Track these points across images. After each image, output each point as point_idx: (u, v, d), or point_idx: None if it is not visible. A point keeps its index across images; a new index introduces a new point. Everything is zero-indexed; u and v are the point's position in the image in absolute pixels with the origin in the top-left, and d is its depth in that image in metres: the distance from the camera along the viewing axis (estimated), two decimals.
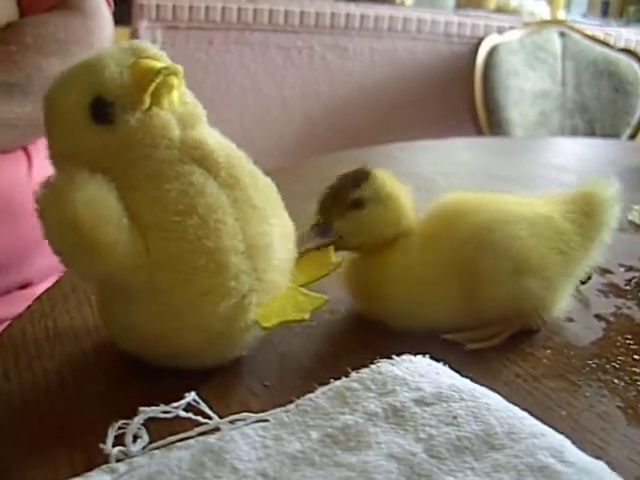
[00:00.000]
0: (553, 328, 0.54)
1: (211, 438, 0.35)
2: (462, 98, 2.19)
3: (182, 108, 0.44)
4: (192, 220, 0.40)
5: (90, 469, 0.35)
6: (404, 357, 0.40)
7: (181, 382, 0.44)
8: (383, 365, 0.39)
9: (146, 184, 0.41)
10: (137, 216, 0.40)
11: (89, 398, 0.43)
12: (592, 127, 2.24)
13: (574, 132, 2.20)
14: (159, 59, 0.43)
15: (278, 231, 0.45)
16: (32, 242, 0.82)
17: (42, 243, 0.83)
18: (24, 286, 0.84)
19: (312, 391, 0.40)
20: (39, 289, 0.85)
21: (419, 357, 0.40)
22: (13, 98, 0.75)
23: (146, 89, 0.41)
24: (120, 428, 0.38)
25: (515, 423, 0.35)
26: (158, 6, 1.91)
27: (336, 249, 0.51)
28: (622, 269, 0.67)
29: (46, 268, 0.86)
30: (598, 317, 0.57)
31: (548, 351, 0.51)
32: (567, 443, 0.34)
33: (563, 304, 0.54)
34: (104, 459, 0.36)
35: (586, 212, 0.53)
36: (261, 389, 0.44)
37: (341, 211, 0.50)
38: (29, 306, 0.55)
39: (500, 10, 2.39)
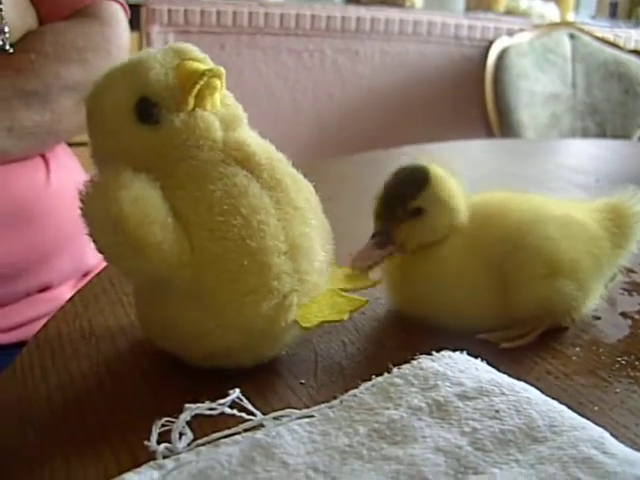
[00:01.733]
0: (581, 326, 0.55)
1: (258, 434, 0.35)
2: (473, 100, 2.19)
3: (224, 110, 0.45)
4: (236, 220, 0.41)
5: (136, 466, 0.35)
6: (443, 353, 0.41)
7: (219, 381, 0.44)
8: (424, 361, 0.40)
9: (190, 184, 0.42)
10: (181, 216, 0.41)
11: (129, 397, 0.44)
12: (603, 129, 2.24)
13: (585, 134, 2.20)
14: (202, 61, 0.44)
15: (318, 233, 0.46)
16: (51, 246, 0.83)
17: (61, 247, 0.84)
18: (44, 289, 0.84)
19: (350, 388, 0.41)
20: (58, 292, 0.86)
21: (457, 353, 0.41)
22: (32, 106, 0.76)
23: (191, 91, 0.42)
24: (163, 426, 0.39)
25: (556, 416, 0.35)
26: (170, 11, 1.93)
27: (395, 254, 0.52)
28: None
29: (65, 271, 0.87)
30: (624, 315, 0.58)
31: (577, 348, 0.52)
32: (607, 435, 0.35)
33: (592, 304, 0.54)
34: (149, 456, 0.36)
35: (617, 223, 0.54)
36: (299, 387, 0.45)
37: (401, 219, 0.50)
38: (62, 307, 0.56)
39: (509, 12, 2.40)
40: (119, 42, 0.89)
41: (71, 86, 0.79)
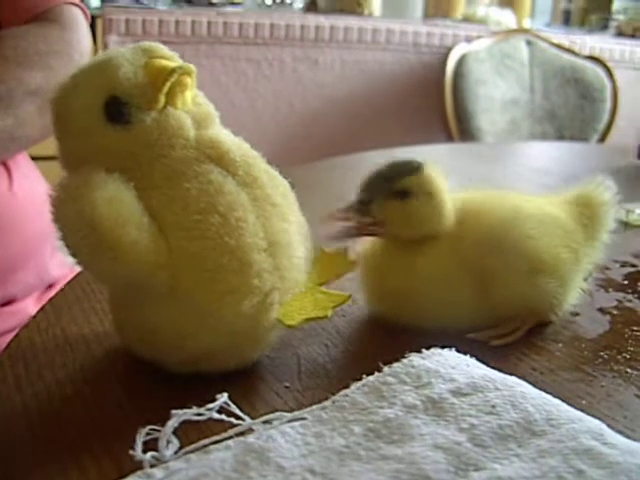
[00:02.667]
0: (561, 322, 0.55)
1: (250, 438, 0.34)
2: (432, 107, 2.21)
3: (195, 108, 0.44)
4: (213, 218, 0.40)
5: (122, 477, 0.34)
6: (433, 351, 0.40)
7: (201, 387, 0.43)
8: (414, 359, 0.39)
9: (164, 183, 0.41)
10: (157, 216, 0.40)
11: (109, 406, 0.43)
12: (561, 133, 2.27)
13: (544, 139, 2.23)
14: (171, 59, 0.43)
15: (296, 229, 0.45)
16: (15, 258, 0.80)
17: (25, 259, 0.82)
18: (7, 303, 0.82)
19: (336, 390, 0.40)
20: (23, 305, 0.84)
21: (447, 350, 0.41)
22: None
23: (161, 88, 0.41)
24: (147, 434, 0.38)
25: (552, 410, 0.35)
26: (127, 20, 1.90)
27: (370, 234, 0.51)
28: (617, 264, 0.68)
29: (29, 284, 0.85)
30: (602, 311, 0.58)
31: (560, 344, 0.52)
32: (604, 426, 0.35)
33: (573, 298, 0.54)
34: (135, 466, 0.35)
35: (587, 214, 0.55)
36: (284, 390, 0.44)
37: (385, 196, 0.50)
38: (34, 316, 0.54)
39: (467, 20, 2.43)
40: (81, 46, 0.88)
41: (33, 91, 0.77)
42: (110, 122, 0.41)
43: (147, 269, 0.39)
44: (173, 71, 0.41)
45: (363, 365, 0.46)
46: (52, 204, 0.40)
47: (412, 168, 0.51)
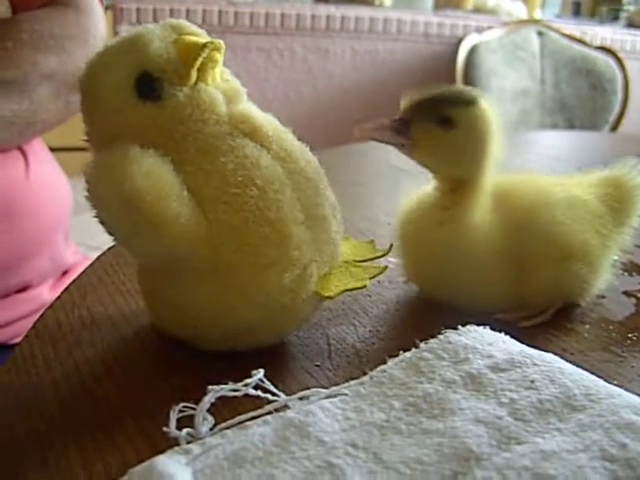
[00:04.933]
0: (587, 305, 0.55)
1: (289, 413, 0.34)
2: None
3: (225, 84, 0.43)
4: (251, 191, 0.40)
5: (156, 454, 0.33)
6: (469, 327, 0.40)
7: (232, 365, 0.43)
8: (451, 335, 0.39)
9: (199, 159, 0.40)
10: (194, 190, 0.40)
11: (140, 384, 0.42)
12: (571, 124, 2.26)
13: (554, 129, 2.22)
14: (200, 35, 0.43)
15: (330, 203, 0.45)
16: (31, 244, 0.80)
17: (40, 245, 0.82)
18: (22, 289, 0.82)
19: (366, 369, 0.40)
20: (38, 292, 0.84)
21: (482, 328, 0.40)
22: (10, 95, 0.74)
23: (193, 64, 0.40)
24: (180, 411, 0.37)
25: (590, 385, 0.35)
26: (139, 9, 1.90)
27: (403, 151, 0.49)
28: (639, 250, 0.68)
29: (44, 270, 0.85)
30: (627, 294, 0.58)
31: (587, 326, 0.51)
32: None
33: (601, 284, 0.54)
34: (168, 443, 0.35)
35: (617, 197, 0.54)
36: (315, 369, 0.44)
37: (427, 119, 0.47)
38: (58, 297, 0.54)
39: (478, 10, 2.42)
40: (96, 31, 0.87)
41: (49, 75, 0.77)
42: (142, 98, 0.40)
43: (189, 244, 0.39)
44: (204, 47, 0.40)
45: (392, 344, 0.46)
46: (87, 181, 0.39)
47: (466, 99, 0.48)
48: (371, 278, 0.44)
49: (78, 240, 1.07)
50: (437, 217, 0.50)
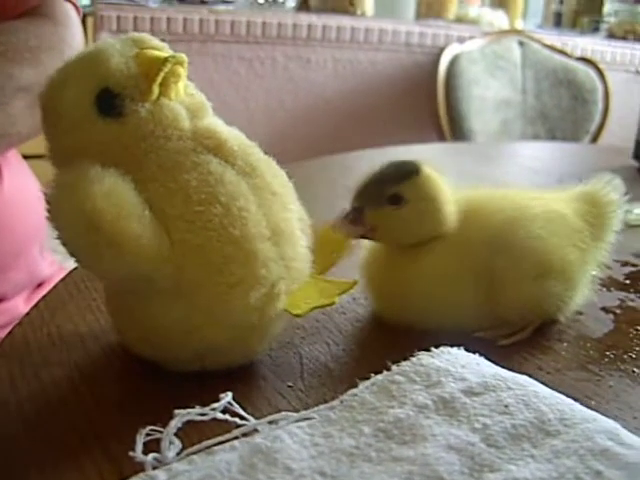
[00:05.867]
0: (565, 322, 0.54)
1: (257, 438, 0.33)
2: (424, 107, 2.20)
3: (189, 99, 0.43)
4: (215, 209, 0.39)
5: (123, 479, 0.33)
6: (442, 349, 0.39)
7: (202, 386, 0.42)
8: (423, 357, 0.38)
9: (162, 176, 0.39)
10: (157, 209, 0.39)
11: (107, 405, 0.41)
12: (553, 134, 2.27)
13: (535, 139, 2.23)
14: (162, 49, 0.42)
15: (297, 218, 0.44)
16: (5, 256, 0.79)
17: (15, 257, 0.80)
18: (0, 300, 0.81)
19: (340, 389, 0.39)
20: (12, 304, 0.82)
21: (455, 349, 0.40)
22: None
23: (154, 79, 0.39)
24: (147, 435, 0.36)
25: (565, 409, 0.34)
26: (119, 17, 1.89)
27: (367, 238, 0.50)
28: (618, 264, 0.68)
29: (19, 283, 0.83)
30: (605, 310, 0.57)
31: (565, 344, 0.51)
32: (619, 426, 0.34)
33: (579, 300, 0.54)
34: (135, 468, 0.34)
35: (594, 213, 0.53)
36: (287, 390, 0.43)
37: (377, 202, 0.48)
38: (27, 314, 0.53)
39: (459, 20, 2.42)
40: (74, 42, 0.86)
41: (24, 87, 0.75)
42: (102, 115, 0.40)
43: (151, 264, 0.38)
44: (166, 61, 0.39)
45: (366, 364, 0.45)
46: (47, 201, 0.38)
47: (406, 172, 0.49)
48: (340, 294, 0.44)
49: (56, 249, 1.05)
50: (401, 251, 0.51)
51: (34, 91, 0.75)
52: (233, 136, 0.43)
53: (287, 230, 0.42)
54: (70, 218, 0.37)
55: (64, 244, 0.39)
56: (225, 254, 0.39)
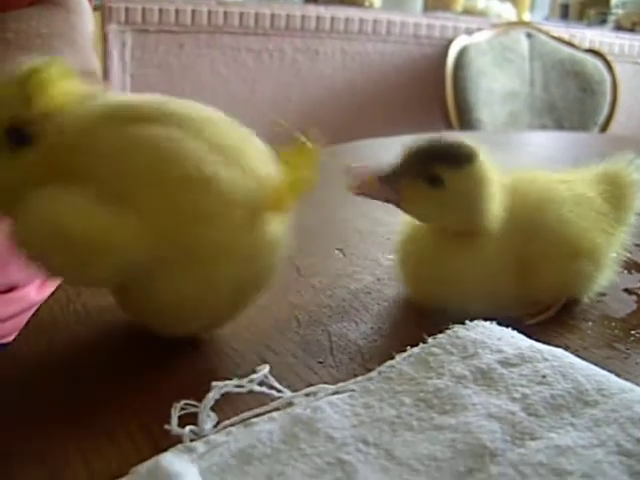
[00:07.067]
0: (589, 302, 0.54)
1: (297, 409, 0.33)
2: (433, 99, 2.20)
3: (79, 88, 0.42)
4: (172, 173, 0.38)
5: (158, 452, 0.32)
6: (476, 322, 0.39)
7: (233, 361, 0.43)
8: (459, 330, 0.38)
9: (101, 167, 0.39)
10: (114, 196, 0.38)
11: (140, 381, 0.42)
12: (560, 126, 2.27)
13: (543, 131, 2.22)
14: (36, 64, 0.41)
15: (240, 135, 0.43)
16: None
17: None
18: (10, 289, 0.80)
19: (370, 365, 0.39)
20: (25, 292, 0.82)
21: (489, 323, 0.40)
22: None
23: (42, 92, 0.39)
24: (182, 409, 0.37)
25: (602, 380, 0.34)
26: (127, 9, 1.89)
27: (392, 204, 0.48)
28: (637, 248, 0.68)
29: (32, 271, 0.83)
30: (627, 291, 0.58)
31: (590, 323, 0.51)
32: None
33: (604, 281, 0.54)
34: (170, 442, 0.34)
35: (616, 195, 0.53)
36: (318, 366, 0.43)
37: (416, 176, 0.46)
38: (52, 293, 0.53)
39: (467, 12, 2.42)
40: (85, 30, 0.85)
41: None
42: (17, 148, 0.40)
43: (135, 252, 0.38)
44: (39, 69, 0.39)
45: (395, 341, 0.45)
46: (12, 236, 0.39)
47: (458, 156, 0.46)
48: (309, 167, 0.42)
49: None
50: (441, 239, 0.49)
51: None
52: (148, 99, 0.43)
53: (234, 151, 0.41)
54: (46, 241, 0.38)
55: (48, 268, 0.40)
56: (198, 215, 0.39)
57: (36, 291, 0.84)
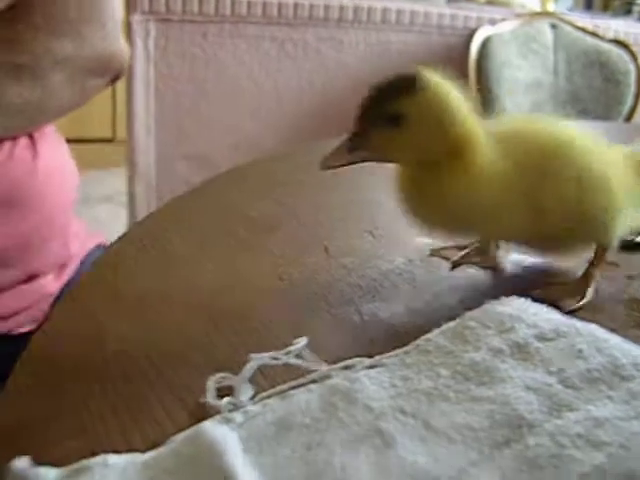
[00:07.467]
0: (617, 285, 0.54)
1: (334, 380, 0.34)
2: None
3: None
4: None
5: (194, 424, 0.33)
6: (512, 298, 0.40)
7: (266, 337, 0.43)
8: (495, 305, 0.39)
9: None
10: None
11: (174, 356, 0.42)
12: (584, 116, 2.25)
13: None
14: None
15: None
16: (38, 233, 0.79)
17: (48, 234, 0.80)
18: (28, 279, 0.80)
19: (403, 341, 0.40)
20: (43, 282, 0.82)
21: (523, 299, 0.40)
22: (21, 81, 0.71)
23: None
24: (217, 382, 0.37)
25: (638, 354, 0.35)
26: None
27: (371, 161, 0.46)
28: None
29: (50, 260, 0.82)
30: None
31: (619, 305, 0.51)
32: None
33: (627, 230, 0.52)
34: (207, 414, 0.35)
35: None
36: (350, 343, 0.43)
37: (376, 124, 0.44)
38: (87, 273, 0.54)
39: (491, 2, 2.40)
40: (114, 14, 0.84)
41: (63, 60, 0.74)
42: None
43: None
44: None
45: (426, 319, 0.46)
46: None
47: (407, 85, 0.44)
48: None
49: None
50: (438, 176, 0.46)
51: (73, 64, 0.75)
52: None
53: None
54: None
55: None
56: None
57: (54, 281, 0.84)
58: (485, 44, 2.12)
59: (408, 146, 0.45)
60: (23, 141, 0.77)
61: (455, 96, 0.46)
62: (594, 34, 2.32)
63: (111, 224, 0.82)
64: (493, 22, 2.22)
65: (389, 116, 0.44)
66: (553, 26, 2.26)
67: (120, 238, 0.60)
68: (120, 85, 2.67)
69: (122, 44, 0.81)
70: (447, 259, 0.55)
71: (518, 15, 2.28)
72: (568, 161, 0.48)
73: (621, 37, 2.39)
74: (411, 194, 0.48)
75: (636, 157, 0.54)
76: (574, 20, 2.33)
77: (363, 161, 0.46)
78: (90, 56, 0.76)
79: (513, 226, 0.47)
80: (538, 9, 2.50)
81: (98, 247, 0.92)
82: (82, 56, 0.76)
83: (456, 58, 2.20)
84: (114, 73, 0.82)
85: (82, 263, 0.87)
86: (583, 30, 2.30)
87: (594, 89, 2.25)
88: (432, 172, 0.46)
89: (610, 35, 2.38)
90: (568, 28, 2.28)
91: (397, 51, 2.20)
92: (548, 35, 2.25)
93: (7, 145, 0.75)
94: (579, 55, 2.26)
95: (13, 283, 0.78)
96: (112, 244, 0.59)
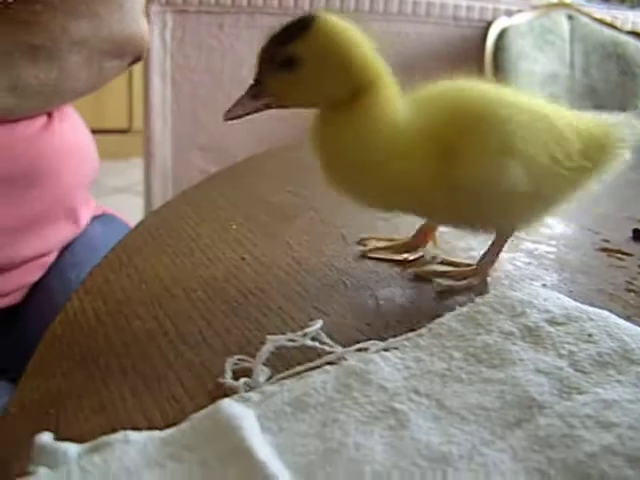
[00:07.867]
0: (629, 274, 0.55)
1: (350, 362, 0.35)
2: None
3: None
4: None
5: (212, 404, 0.34)
6: (522, 284, 0.40)
7: (283, 321, 0.44)
8: (507, 291, 0.39)
9: None
10: None
11: (191, 338, 0.43)
12: (601, 109, 2.24)
13: None
14: None
15: None
16: (51, 210, 0.80)
17: (60, 210, 0.80)
18: (40, 255, 0.81)
19: (418, 326, 0.40)
20: (53, 258, 0.83)
21: (535, 285, 0.41)
22: (38, 62, 0.70)
23: None
24: (235, 364, 0.38)
25: None
26: None
27: (272, 108, 0.45)
28: None
29: (62, 237, 0.84)
30: None
31: (632, 294, 0.52)
32: None
33: (552, 215, 0.51)
34: (224, 394, 0.35)
35: (595, 135, 0.50)
36: (365, 327, 0.44)
37: (271, 70, 0.43)
38: (105, 257, 0.55)
39: None
40: None
41: (80, 41, 0.73)
42: None
43: None
44: None
45: (442, 306, 0.46)
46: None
47: (299, 28, 0.43)
48: None
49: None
50: (344, 117, 0.45)
51: (90, 45, 0.74)
52: None
53: None
54: None
55: None
56: None
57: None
58: (501, 36, 2.12)
59: (306, 89, 0.45)
60: (41, 120, 0.77)
61: (352, 36, 0.45)
62: (611, 25, 2.31)
63: (128, 214, 0.82)
64: (509, 13, 2.21)
65: (283, 60, 0.43)
66: (570, 17, 2.25)
67: (137, 225, 0.61)
68: (137, 76, 2.67)
69: (141, 26, 0.80)
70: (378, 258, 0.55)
71: (534, 6, 2.27)
72: (486, 128, 0.45)
73: (639, 29, 2.38)
74: (320, 139, 0.47)
75: (602, 126, 0.51)
76: (591, 11, 2.32)
77: (267, 108, 0.45)
78: (107, 37, 0.75)
79: (425, 179, 0.45)
80: (555, 0, 2.48)
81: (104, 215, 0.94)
82: (99, 37, 0.75)
83: (472, 50, 2.19)
84: (133, 55, 0.81)
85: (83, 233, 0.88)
86: (600, 22, 2.29)
87: (611, 82, 2.24)
88: (338, 113, 0.45)
89: (628, 27, 2.37)
90: (585, 19, 2.27)
91: (412, 42, 2.20)
92: (565, 27, 2.24)
93: (25, 123, 0.75)
94: (596, 47, 2.24)
95: (24, 260, 0.79)
96: (129, 231, 0.60)
